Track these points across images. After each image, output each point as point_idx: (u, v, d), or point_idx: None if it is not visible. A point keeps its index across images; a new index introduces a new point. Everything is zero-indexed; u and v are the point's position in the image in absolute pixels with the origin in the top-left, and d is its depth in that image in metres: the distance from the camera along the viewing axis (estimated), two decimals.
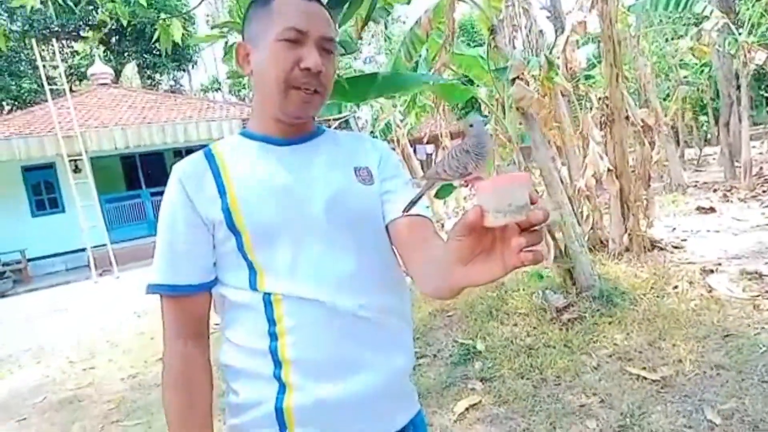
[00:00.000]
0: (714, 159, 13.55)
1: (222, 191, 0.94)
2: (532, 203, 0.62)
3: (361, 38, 4.61)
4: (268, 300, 0.92)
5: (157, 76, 24.36)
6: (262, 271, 0.93)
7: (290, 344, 0.91)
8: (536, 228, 0.63)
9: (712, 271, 4.51)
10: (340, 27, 4.18)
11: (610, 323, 3.75)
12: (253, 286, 0.92)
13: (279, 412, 0.92)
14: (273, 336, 0.92)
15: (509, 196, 0.60)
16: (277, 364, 0.92)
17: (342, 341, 0.93)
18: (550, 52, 6.01)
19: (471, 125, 0.75)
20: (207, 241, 0.94)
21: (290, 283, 0.92)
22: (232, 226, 0.92)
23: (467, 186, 0.80)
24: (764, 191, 8.42)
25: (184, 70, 25.66)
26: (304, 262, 0.93)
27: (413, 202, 0.89)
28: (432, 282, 0.86)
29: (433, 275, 0.84)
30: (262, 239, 0.92)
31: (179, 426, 0.95)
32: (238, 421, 0.98)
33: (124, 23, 5.11)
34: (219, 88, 29.59)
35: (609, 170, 5.32)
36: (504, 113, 4.69)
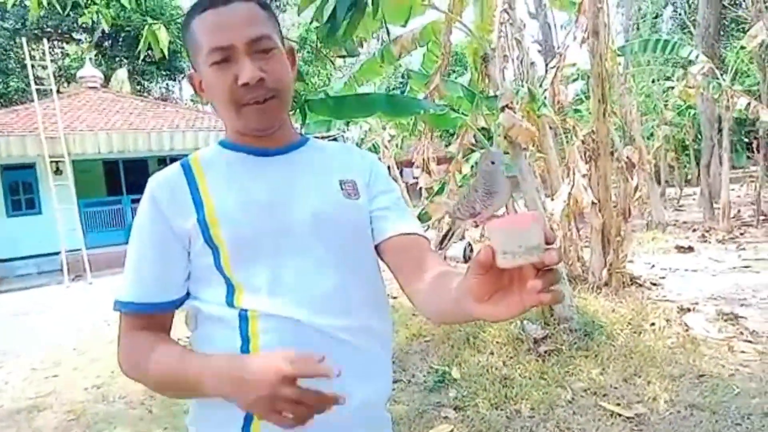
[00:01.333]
0: (694, 199, 13.79)
1: (198, 204, 0.90)
2: (547, 243, 0.59)
3: (362, 45, 4.63)
4: (243, 316, 0.87)
5: (148, 83, 24.26)
6: (240, 288, 0.88)
7: None
8: (552, 268, 0.60)
9: (689, 310, 4.53)
10: (345, 37, 4.19)
11: (586, 357, 3.72)
12: (229, 303, 0.88)
13: None
14: (245, 354, 0.87)
15: (519, 238, 0.58)
16: None
17: None
18: (540, 85, 6.10)
19: (492, 162, 0.72)
20: (180, 257, 0.91)
21: (268, 300, 0.87)
22: (209, 240, 0.88)
23: (477, 226, 0.77)
24: (741, 234, 8.56)
25: (175, 80, 25.59)
26: (283, 278, 0.88)
27: (444, 239, 0.87)
28: (436, 308, 0.85)
29: (438, 301, 0.82)
30: (240, 254, 0.87)
31: (175, 368, 0.85)
32: None
33: (107, 28, 5.08)
34: (209, 101, 29.54)
35: (593, 203, 5.36)
36: (491, 142, 4.72)
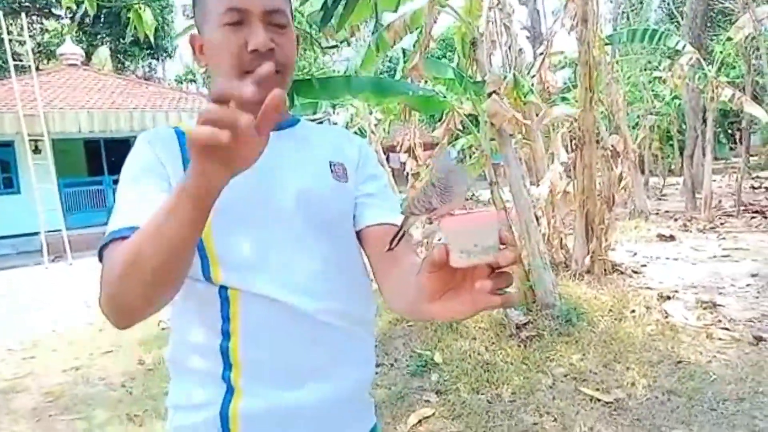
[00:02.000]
0: (677, 189, 13.95)
1: (186, 166, 0.86)
2: (503, 243, 0.58)
3: (353, 35, 4.57)
4: (224, 295, 0.84)
5: (131, 62, 23.80)
6: (216, 260, 0.85)
7: (243, 345, 0.84)
8: (506, 270, 0.58)
9: (669, 298, 4.59)
10: (338, 28, 4.14)
11: (567, 343, 3.76)
12: (206, 275, 0.85)
13: (224, 417, 0.84)
14: (225, 334, 0.85)
15: (475, 236, 0.56)
16: (227, 365, 0.85)
17: (299, 346, 0.87)
18: (528, 72, 6.09)
19: (439, 158, 0.70)
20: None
21: (248, 277, 0.85)
22: None
23: (432, 223, 0.74)
24: (722, 224, 8.68)
25: (158, 59, 25.14)
26: (265, 256, 0.86)
27: (395, 238, 0.82)
28: (400, 303, 0.83)
29: (403, 297, 0.81)
30: (220, 224, 0.84)
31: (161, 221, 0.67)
32: (180, 423, 0.90)
33: (91, 12, 4.94)
34: (194, 80, 29.09)
35: (566, 191, 5.39)
36: (477, 127, 4.70)
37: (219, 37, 0.87)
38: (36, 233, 10.73)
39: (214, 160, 0.57)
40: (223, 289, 0.85)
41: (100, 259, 0.78)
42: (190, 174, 0.60)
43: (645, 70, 12.97)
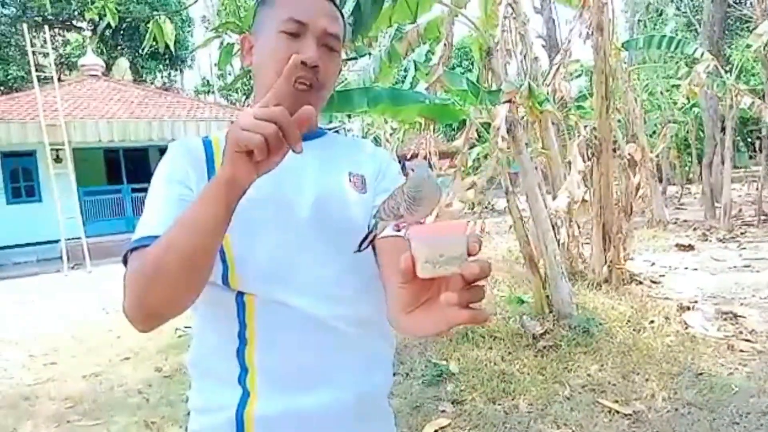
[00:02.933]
0: (695, 198, 13.77)
1: (211, 174, 0.90)
2: (470, 255, 0.56)
3: (371, 45, 4.61)
4: (240, 300, 0.87)
5: (150, 73, 24.18)
6: (233, 266, 0.87)
7: (258, 349, 0.86)
8: (477, 283, 0.57)
9: (688, 308, 4.53)
10: (355, 37, 4.18)
11: (585, 353, 3.72)
12: (225, 281, 0.87)
13: (239, 420, 0.86)
14: (242, 339, 0.87)
15: (441, 246, 0.55)
16: (243, 369, 0.87)
17: (313, 351, 0.88)
18: (544, 80, 6.07)
19: (412, 170, 0.70)
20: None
21: (264, 283, 0.86)
22: None
23: (399, 230, 0.74)
24: (742, 233, 8.54)
25: (176, 69, 25.51)
26: (280, 263, 0.87)
27: (363, 240, 0.83)
28: (388, 315, 0.85)
29: (389, 309, 0.82)
30: (240, 230, 0.85)
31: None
32: (198, 426, 0.92)
33: (113, 23, 5.04)
34: (210, 91, 29.46)
35: (584, 200, 5.35)
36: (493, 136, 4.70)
37: (273, 42, 0.91)
38: (56, 241, 10.91)
39: (246, 161, 0.64)
40: (240, 294, 0.86)
41: (125, 264, 0.81)
42: (224, 172, 0.67)
43: (662, 77, 12.86)
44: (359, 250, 0.82)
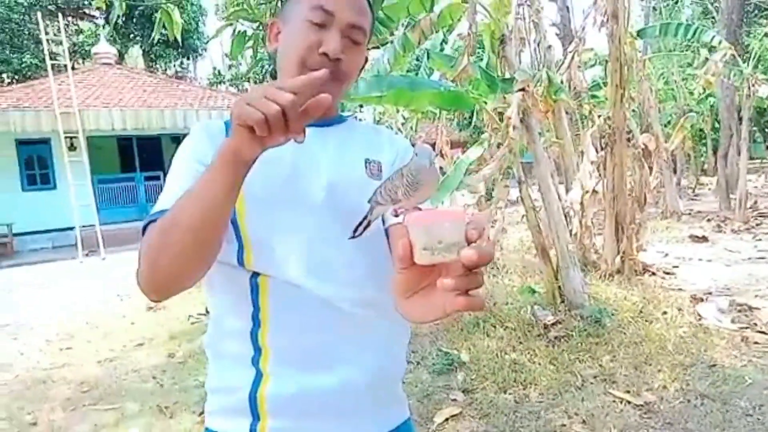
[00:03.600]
0: (709, 189, 13.62)
1: None
2: (469, 242, 0.56)
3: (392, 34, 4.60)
4: (254, 282, 0.88)
5: (162, 61, 24.21)
6: (249, 246, 0.88)
7: (271, 331, 0.88)
8: (476, 270, 0.57)
9: (701, 300, 4.49)
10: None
11: (597, 344, 3.71)
12: (240, 262, 0.88)
13: (252, 400, 0.88)
14: (256, 320, 0.88)
15: (439, 233, 0.55)
16: (257, 350, 0.88)
17: (324, 334, 0.89)
18: (558, 69, 6.01)
19: (416, 153, 0.69)
20: None
21: (279, 265, 0.87)
22: None
23: (397, 215, 0.73)
24: (758, 224, 8.44)
25: (189, 58, 25.53)
26: (293, 244, 0.88)
27: (359, 226, 0.82)
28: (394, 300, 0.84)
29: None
30: (256, 211, 0.88)
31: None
32: (213, 406, 0.95)
33: (120, 12, 5.04)
34: (222, 81, 29.45)
35: (594, 191, 5.31)
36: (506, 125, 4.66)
37: (298, 29, 0.92)
38: (71, 228, 11.04)
39: (249, 134, 0.64)
40: (254, 275, 0.88)
41: (143, 235, 0.83)
42: (228, 144, 0.67)
43: (678, 67, 12.68)
44: (354, 236, 0.81)
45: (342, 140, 0.99)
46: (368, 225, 0.80)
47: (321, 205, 0.91)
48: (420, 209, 0.62)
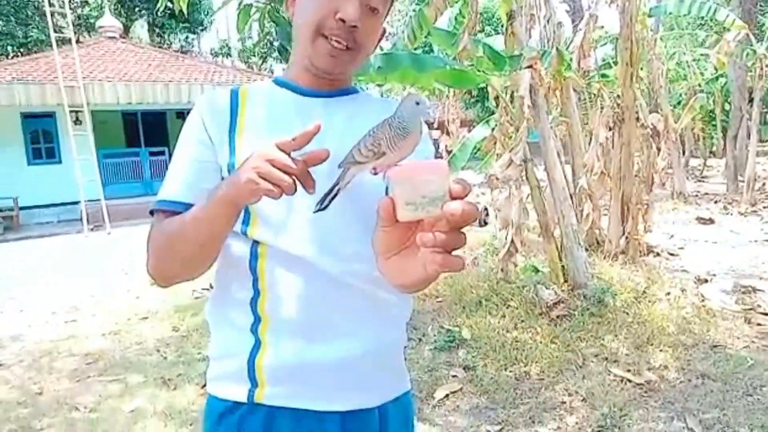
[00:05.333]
0: (717, 171, 13.50)
1: (233, 127, 0.92)
2: (453, 198, 0.54)
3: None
4: (254, 251, 0.88)
5: (167, 35, 24.03)
6: (255, 216, 0.88)
7: (271, 299, 0.88)
8: (459, 228, 0.55)
9: (706, 281, 4.48)
10: None
11: (599, 323, 3.71)
12: (244, 231, 0.88)
13: (251, 366, 0.89)
14: (256, 289, 0.88)
15: (423, 187, 0.53)
16: (256, 318, 0.89)
17: (322, 304, 0.89)
18: (567, 47, 5.91)
19: (417, 103, 0.65)
20: (212, 165, 0.91)
21: (279, 234, 0.87)
22: (233, 165, 0.89)
23: (376, 173, 0.68)
24: (765, 207, 8.38)
25: (194, 32, 25.31)
26: (297, 215, 0.88)
27: (326, 196, 0.77)
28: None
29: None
30: None
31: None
32: (214, 372, 0.96)
33: None
34: (229, 54, 29.20)
35: (602, 173, 5.27)
36: (513, 102, 4.60)
37: None
38: (76, 202, 11.07)
39: (254, 192, 0.70)
40: (254, 244, 0.88)
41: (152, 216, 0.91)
42: (226, 191, 0.74)
43: (689, 48, 12.46)
44: (321, 209, 0.77)
45: (352, 113, 0.98)
46: (337, 193, 0.76)
47: (325, 178, 0.89)
48: (398, 165, 0.59)
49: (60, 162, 12.43)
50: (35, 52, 15.70)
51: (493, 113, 7.74)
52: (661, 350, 3.32)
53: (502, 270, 4.20)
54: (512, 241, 4.03)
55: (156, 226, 0.88)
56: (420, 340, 3.77)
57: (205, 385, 1.02)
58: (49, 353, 3.99)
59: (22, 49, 19.38)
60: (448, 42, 4.91)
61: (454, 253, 0.56)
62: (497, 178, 3.91)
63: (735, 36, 7.00)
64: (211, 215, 0.77)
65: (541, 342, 3.52)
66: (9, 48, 19.99)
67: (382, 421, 0.97)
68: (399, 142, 0.63)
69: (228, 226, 0.79)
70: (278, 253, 0.87)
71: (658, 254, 5.40)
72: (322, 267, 0.87)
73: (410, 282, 0.66)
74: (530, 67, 4.12)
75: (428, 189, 0.53)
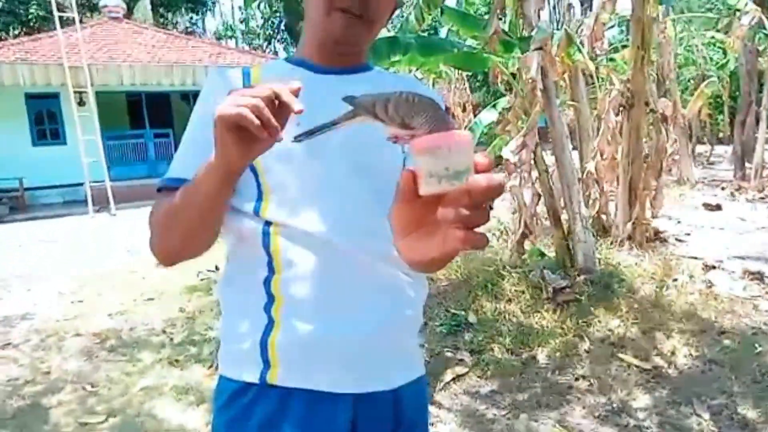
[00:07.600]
0: (724, 158, 13.41)
1: None
2: (477, 171, 0.51)
3: None
4: (267, 230, 0.87)
5: (171, 16, 23.83)
6: (268, 194, 0.87)
7: (284, 279, 0.87)
8: (482, 204, 0.52)
9: (713, 268, 4.45)
10: None
11: (606, 309, 3.70)
12: (256, 211, 0.87)
13: (263, 347, 0.87)
14: (270, 268, 0.87)
15: (447, 159, 0.50)
16: (270, 297, 0.87)
17: (336, 283, 0.87)
18: (577, 29, 5.83)
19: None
20: None
21: (293, 213, 0.86)
22: None
23: (396, 142, 0.64)
24: None
25: (198, 13, 25.10)
26: (310, 192, 0.87)
27: (318, 129, 0.70)
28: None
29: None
30: (272, 158, 0.84)
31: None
32: (226, 354, 0.94)
33: None
34: (233, 36, 28.97)
35: (613, 158, 5.22)
36: (522, 85, 4.55)
37: None
38: (81, 184, 11.08)
39: (238, 140, 0.64)
40: (267, 224, 0.87)
41: (160, 187, 0.89)
42: (216, 153, 0.69)
43: (700, 32, 12.29)
44: (301, 139, 0.70)
45: (366, 89, 0.94)
46: (329, 131, 0.70)
47: (338, 156, 0.88)
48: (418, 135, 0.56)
49: (65, 143, 12.43)
50: (38, 31, 15.59)
51: (498, 97, 7.68)
52: (668, 336, 3.31)
53: (518, 253, 4.18)
54: (526, 224, 4.01)
55: (157, 203, 0.87)
56: (426, 323, 3.77)
57: (211, 366, 1.01)
58: (57, 332, 4.01)
59: (24, 28, 19.24)
60: (469, 25, 4.83)
61: (477, 229, 0.53)
62: (512, 162, 3.88)
63: (749, 20, 6.89)
64: (205, 179, 0.73)
65: (547, 327, 3.51)
66: (11, 28, 19.85)
67: (397, 406, 0.95)
68: (420, 119, 0.59)
69: (224, 190, 0.74)
70: (292, 231, 0.86)
71: (665, 240, 5.37)
72: (336, 245, 0.86)
73: (428, 260, 0.64)
74: (540, 48, 4.06)
75: (453, 161, 0.50)
